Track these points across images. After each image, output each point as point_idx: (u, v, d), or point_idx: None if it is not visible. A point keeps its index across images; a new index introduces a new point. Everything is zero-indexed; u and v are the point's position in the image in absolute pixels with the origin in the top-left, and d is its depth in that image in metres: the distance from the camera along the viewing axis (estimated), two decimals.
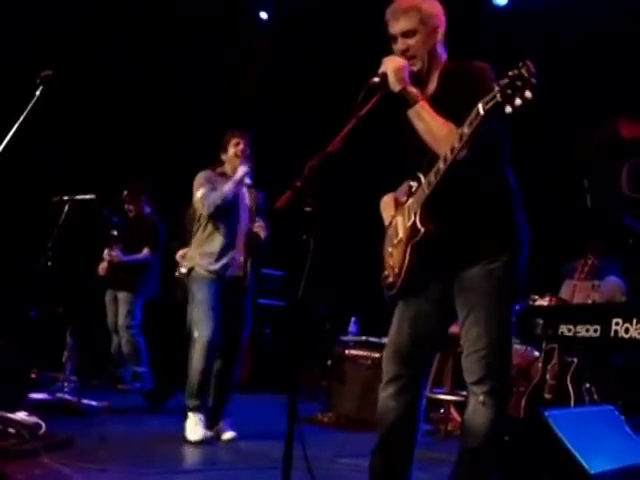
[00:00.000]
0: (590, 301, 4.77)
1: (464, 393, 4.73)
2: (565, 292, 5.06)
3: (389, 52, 2.63)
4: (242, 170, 4.55)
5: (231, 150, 4.64)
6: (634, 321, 3.91)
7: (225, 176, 4.64)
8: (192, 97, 7.80)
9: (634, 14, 5.76)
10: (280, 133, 7.53)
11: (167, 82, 7.76)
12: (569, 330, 4.27)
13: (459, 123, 2.33)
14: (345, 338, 6.08)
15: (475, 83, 2.40)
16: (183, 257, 4.90)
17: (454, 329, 2.73)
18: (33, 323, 5.17)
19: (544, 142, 6.19)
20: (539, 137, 6.04)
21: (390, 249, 2.70)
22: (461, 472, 2.57)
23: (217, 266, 4.51)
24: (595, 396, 4.53)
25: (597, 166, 6.10)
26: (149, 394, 5.80)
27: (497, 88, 2.16)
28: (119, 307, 6.50)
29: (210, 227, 4.58)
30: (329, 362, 5.82)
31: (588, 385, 4.57)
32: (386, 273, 2.68)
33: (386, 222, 2.80)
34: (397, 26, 2.60)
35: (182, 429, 4.40)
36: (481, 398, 2.48)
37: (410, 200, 2.62)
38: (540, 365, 4.75)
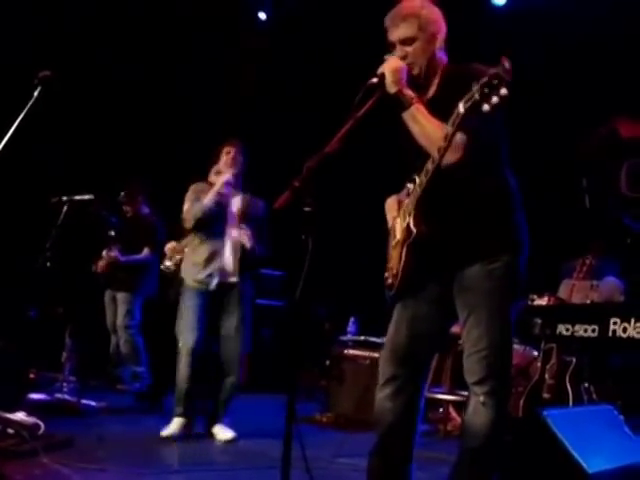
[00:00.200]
0: (588, 301, 4.77)
1: (463, 393, 4.74)
2: (563, 292, 5.06)
3: (389, 52, 2.62)
4: (221, 179, 4.60)
5: (222, 158, 4.70)
6: (632, 321, 3.91)
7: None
8: (192, 97, 7.80)
9: (634, 14, 5.76)
10: (279, 133, 7.54)
11: (167, 82, 7.76)
12: (567, 330, 4.28)
13: None
14: (344, 338, 6.08)
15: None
16: (172, 250, 4.95)
17: (454, 329, 2.74)
18: (32, 323, 5.17)
19: (543, 142, 6.18)
20: (538, 137, 6.04)
21: (390, 250, 2.71)
22: (461, 472, 2.58)
23: (203, 275, 4.56)
24: (593, 395, 4.54)
25: (596, 166, 6.09)
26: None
27: (475, 87, 2.17)
28: (118, 307, 6.49)
29: (197, 238, 4.65)
30: (328, 362, 5.81)
31: (586, 385, 4.57)
32: (386, 274, 2.70)
33: (389, 224, 2.81)
34: (396, 33, 2.60)
35: None
36: (482, 398, 2.48)
37: (406, 201, 2.64)
38: (539, 365, 4.75)
